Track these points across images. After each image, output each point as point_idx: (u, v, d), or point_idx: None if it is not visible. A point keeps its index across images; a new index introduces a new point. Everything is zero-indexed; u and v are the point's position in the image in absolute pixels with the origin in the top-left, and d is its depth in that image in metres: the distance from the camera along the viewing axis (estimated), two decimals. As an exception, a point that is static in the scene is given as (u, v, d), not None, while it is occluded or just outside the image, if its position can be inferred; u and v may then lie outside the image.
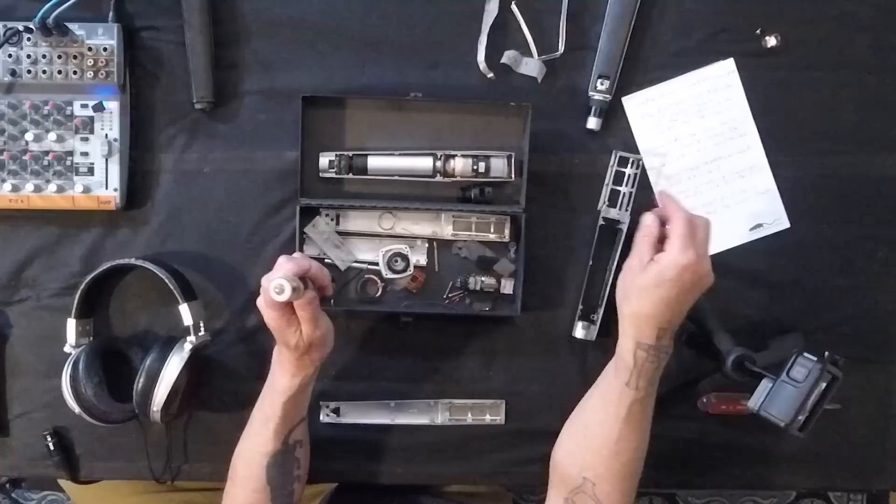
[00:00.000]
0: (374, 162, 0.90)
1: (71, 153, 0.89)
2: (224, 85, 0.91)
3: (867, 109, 0.94)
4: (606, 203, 0.92)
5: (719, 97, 0.93)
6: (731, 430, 0.95)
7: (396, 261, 0.91)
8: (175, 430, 0.93)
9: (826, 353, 0.76)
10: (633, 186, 0.92)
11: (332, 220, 0.91)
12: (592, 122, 0.92)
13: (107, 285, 0.92)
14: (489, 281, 0.91)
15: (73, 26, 0.87)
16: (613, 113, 0.93)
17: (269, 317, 0.75)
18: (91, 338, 0.90)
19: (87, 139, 0.88)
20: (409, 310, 0.92)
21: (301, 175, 0.89)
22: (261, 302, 0.75)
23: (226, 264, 0.92)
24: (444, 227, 0.91)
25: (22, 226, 0.91)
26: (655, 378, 0.79)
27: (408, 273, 0.91)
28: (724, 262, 0.94)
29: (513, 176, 0.90)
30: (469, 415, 0.95)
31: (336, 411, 0.94)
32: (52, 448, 0.92)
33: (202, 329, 0.87)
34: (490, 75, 0.91)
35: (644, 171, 0.93)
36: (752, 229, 0.94)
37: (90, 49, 0.87)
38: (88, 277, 0.87)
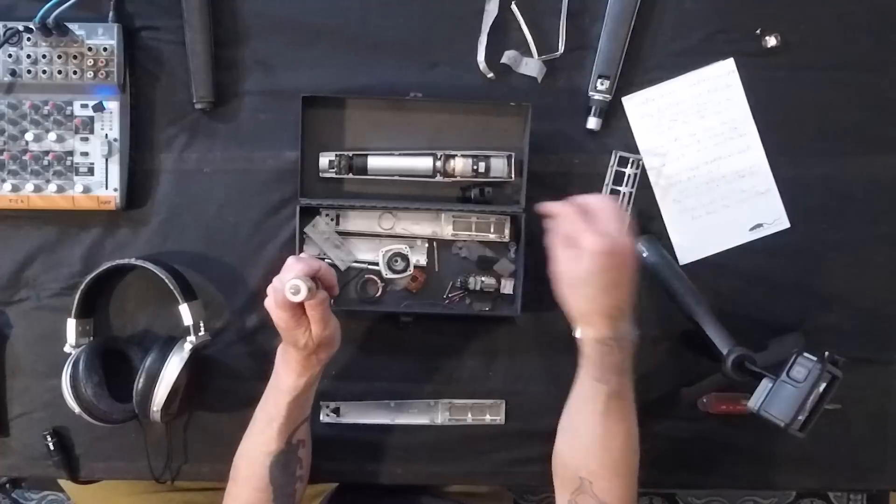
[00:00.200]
0: (374, 162, 0.90)
1: (71, 153, 0.89)
2: (224, 85, 0.91)
3: (867, 109, 0.94)
4: (606, 203, 0.92)
5: (719, 97, 0.93)
6: (731, 430, 0.94)
7: (396, 261, 0.91)
8: (175, 430, 0.93)
9: (826, 353, 0.76)
10: (633, 186, 0.92)
11: (332, 220, 0.91)
12: (592, 122, 0.92)
13: (107, 285, 0.92)
14: (489, 281, 0.91)
15: (73, 26, 0.87)
16: (613, 113, 0.93)
17: (280, 318, 0.75)
18: (91, 338, 0.90)
19: (87, 139, 0.88)
20: (409, 310, 0.92)
21: (301, 175, 0.89)
22: (270, 303, 0.75)
23: (226, 264, 0.92)
24: (444, 227, 0.91)
25: (22, 226, 0.91)
26: (625, 367, 0.77)
27: (408, 273, 0.91)
28: (724, 262, 0.94)
29: (513, 176, 0.90)
30: (469, 415, 0.95)
31: (336, 411, 0.94)
32: (52, 448, 0.92)
33: (202, 329, 0.87)
34: (490, 75, 0.91)
35: (644, 171, 0.93)
36: (752, 229, 0.94)
37: (90, 49, 0.87)
38: (88, 277, 0.87)
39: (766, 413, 0.77)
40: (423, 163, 0.90)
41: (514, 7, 0.91)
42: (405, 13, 0.91)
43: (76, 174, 0.89)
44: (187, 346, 0.85)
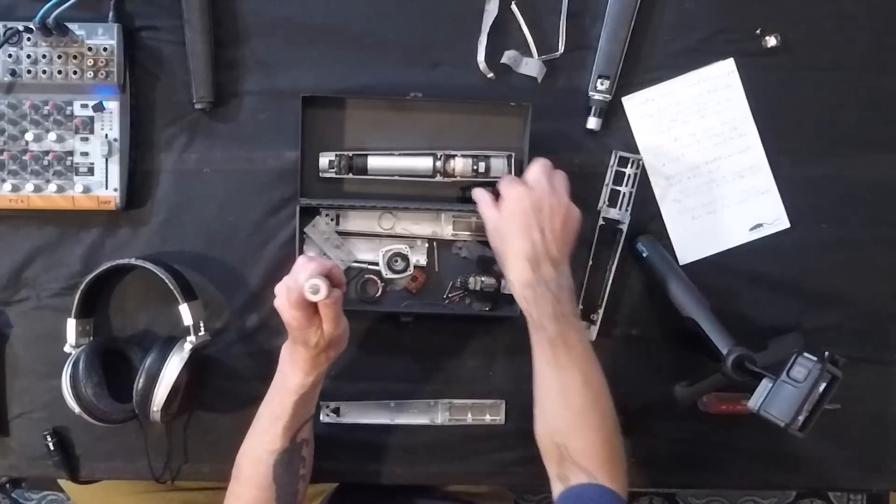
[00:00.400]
0: (374, 162, 0.90)
1: (71, 153, 0.89)
2: (224, 85, 0.91)
3: (867, 109, 0.94)
4: (606, 203, 0.92)
5: (719, 97, 0.93)
6: (731, 430, 0.94)
7: (396, 261, 0.91)
8: (175, 430, 0.93)
9: (826, 353, 0.76)
10: (633, 186, 0.92)
11: (332, 220, 0.91)
12: (592, 122, 0.92)
13: (107, 285, 0.92)
14: (489, 281, 0.90)
15: (73, 26, 0.87)
16: (613, 113, 0.93)
17: (293, 317, 0.74)
18: (91, 338, 0.90)
19: (87, 139, 0.88)
20: (409, 310, 0.92)
21: (301, 175, 0.89)
22: (282, 303, 0.75)
23: (226, 264, 0.92)
24: (444, 227, 0.91)
25: (22, 226, 0.91)
26: (563, 314, 0.78)
27: (408, 273, 0.91)
28: (724, 262, 0.94)
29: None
30: (469, 415, 0.95)
31: (336, 411, 0.94)
32: (52, 448, 0.92)
33: (202, 329, 0.87)
34: (490, 75, 0.91)
35: (644, 170, 0.93)
36: (752, 229, 0.94)
37: (90, 49, 0.87)
38: (88, 277, 0.87)
39: (766, 413, 0.77)
40: (423, 163, 0.90)
41: (514, 7, 0.91)
42: (405, 13, 0.91)
43: (76, 174, 0.89)
44: (187, 346, 0.85)
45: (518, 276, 0.79)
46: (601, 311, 0.92)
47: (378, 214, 0.91)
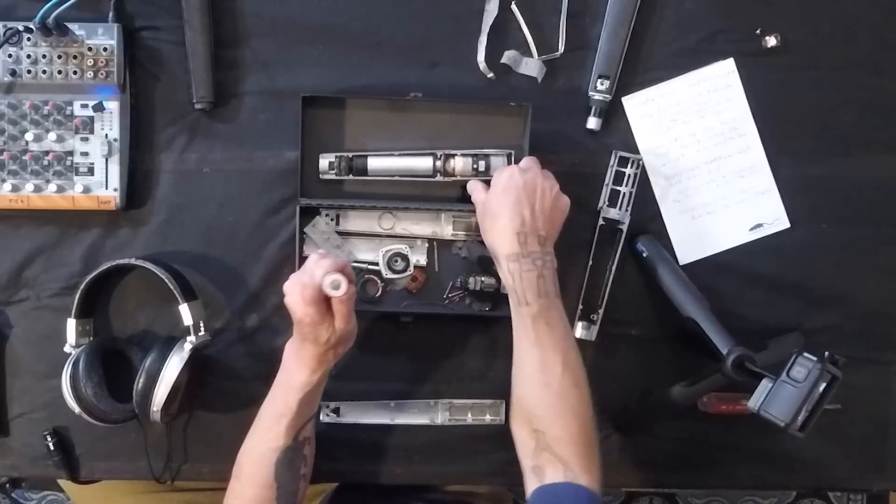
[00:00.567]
0: (374, 163, 0.90)
1: (71, 153, 0.89)
2: (224, 85, 0.91)
3: (867, 109, 0.94)
4: (606, 203, 0.92)
5: (719, 97, 0.93)
6: (731, 430, 0.95)
7: (396, 261, 0.91)
8: (175, 430, 0.93)
9: (826, 353, 0.76)
10: (633, 186, 0.92)
11: (332, 220, 0.91)
12: (592, 122, 0.92)
13: (107, 285, 0.92)
14: (489, 281, 0.90)
15: (73, 26, 0.87)
16: (613, 113, 0.93)
17: (306, 313, 0.74)
18: (91, 338, 0.90)
19: (87, 139, 0.88)
20: (409, 310, 0.92)
21: (301, 175, 0.89)
22: (296, 300, 0.75)
23: (226, 264, 0.92)
24: (444, 227, 0.91)
25: (22, 226, 0.91)
26: (544, 289, 0.80)
27: (408, 273, 0.91)
28: (724, 262, 0.94)
29: (513, 176, 0.89)
30: (469, 415, 0.95)
31: (336, 411, 0.94)
32: (52, 448, 0.92)
33: (202, 329, 0.87)
34: (490, 75, 0.91)
35: (644, 170, 0.93)
36: (752, 229, 0.94)
37: (90, 49, 0.87)
38: (88, 277, 0.87)
39: (766, 413, 0.77)
40: (423, 163, 0.90)
41: (514, 7, 0.91)
42: (405, 13, 0.91)
43: (76, 174, 0.89)
44: (187, 346, 0.85)
45: (505, 250, 0.81)
46: (601, 311, 0.92)
47: (378, 214, 0.91)
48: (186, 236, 0.92)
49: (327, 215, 0.91)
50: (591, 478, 0.75)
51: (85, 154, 0.88)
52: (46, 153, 0.88)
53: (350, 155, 0.90)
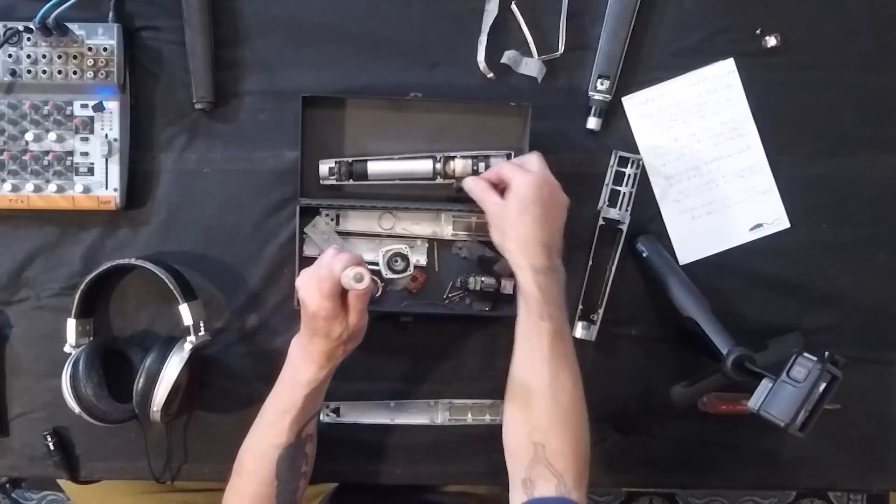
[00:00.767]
0: (374, 167, 0.90)
1: (71, 153, 0.89)
2: (224, 85, 0.91)
3: (867, 109, 0.94)
4: (606, 203, 0.92)
5: (719, 97, 0.93)
6: (731, 430, 0.94)
7: (396, 261, 0.91)
8: (175, 430, 0.93)
9: (826, 353, 0.76)
10: (633, 186, 0.92)
11: (332, 220, 0.91)
12: (592, 122, 0.92)
13: (107, 285, 0.92)
14: (489, 281, 0.90)
15: (73, 26, 0.87)
16: (613, 113, 0.93)
17: (323, 307, 0.74)
18: (91, 338, 0.90)
19: (87, 139, 0.88)
20: (409, 310, 0.92)
21: (301, 175, 0.89)
22: (311, 294, 0.74)
23: (226, 264, 0.92)
24: (444, 227, 0.91)
25: (22, 226, 0.91)
26: (561, 303, 0.80)
27: (408, 273, 0.91)
28: (724, 262, 0.94)
29: (513, 176, 0.89)
30: (469, 415, 0.95)
31: (336, 411, 0.94)
32: (52, 448, 0.92)
33: (202, 329, 0.87)
34: (490, 75, 0.91)
35: (644, 170, 0.93)
36: (752, 229, 0.94)
37: (90, 49, 0.87)
38: (88, 277, 0.87)
39: (766, 413, 0.77)
40: (423, 165, 0.90)
41: (514, 7, 0.91)
42: (405, 13, 0.91)
43: (76, 174, 0.89)
44: (187, 346, 0.85)
45: (534, 261, 0.79)
46: (601, 311, 0.92)
47: (378, 214, 0.91)
48: (186, 236, 0.92)
49: (327, 215, 0.91)
50: (580, 494, 0.75)
51: (85, 154, 0.88)
52: (46, 153, 0.88)
53: (350, 160, 0.90)
